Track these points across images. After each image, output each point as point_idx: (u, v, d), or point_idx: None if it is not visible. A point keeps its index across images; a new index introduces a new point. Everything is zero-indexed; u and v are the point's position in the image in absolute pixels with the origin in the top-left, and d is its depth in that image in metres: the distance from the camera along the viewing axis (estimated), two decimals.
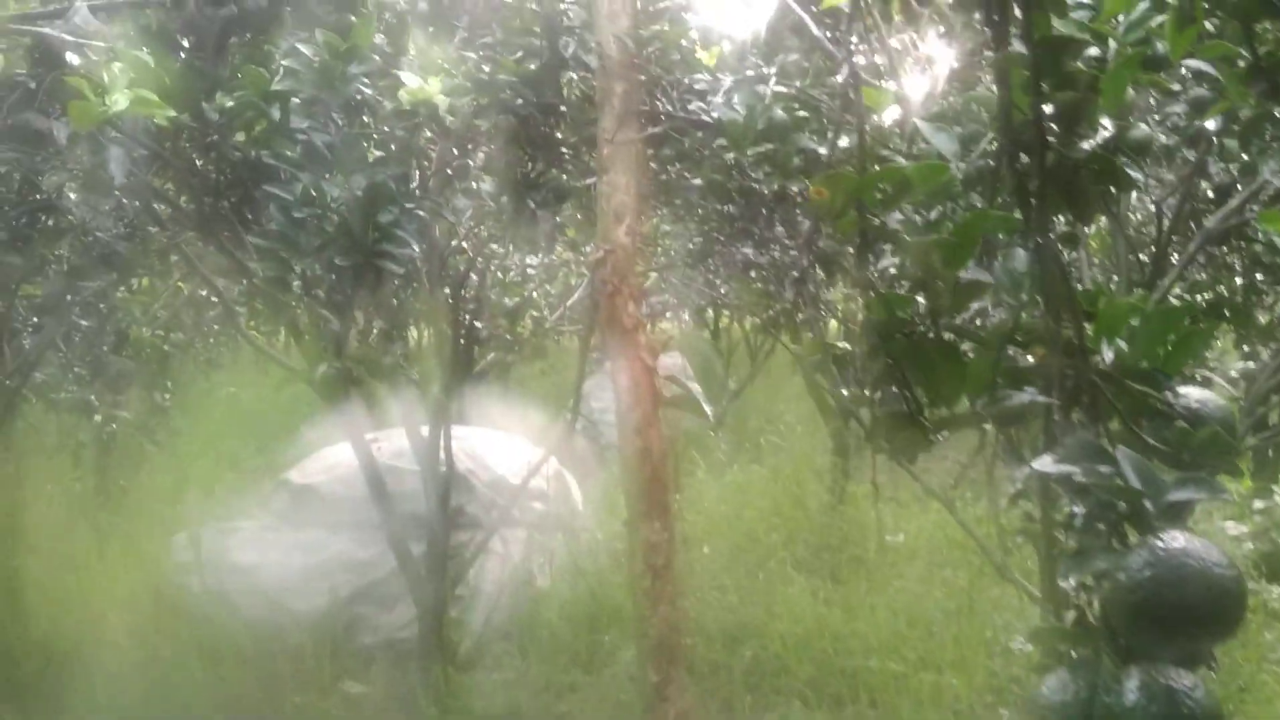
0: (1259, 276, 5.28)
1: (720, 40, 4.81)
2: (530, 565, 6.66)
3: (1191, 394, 1.87)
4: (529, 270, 8.30)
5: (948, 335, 1.54)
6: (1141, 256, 4.89)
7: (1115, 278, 5.07)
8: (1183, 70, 3.45)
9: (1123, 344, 1.85)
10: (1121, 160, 2.48)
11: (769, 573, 6.60)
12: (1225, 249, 5.30)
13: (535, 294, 8.78)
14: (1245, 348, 5.67)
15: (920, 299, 1.55)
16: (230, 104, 3.59)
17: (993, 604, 5.96)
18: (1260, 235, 4.79)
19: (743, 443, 9.45)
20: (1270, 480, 6.52)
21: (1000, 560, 4.76)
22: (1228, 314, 5.56)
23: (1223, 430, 1.82)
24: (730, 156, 3.99)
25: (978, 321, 1.91)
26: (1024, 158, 1.78)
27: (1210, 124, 3.66)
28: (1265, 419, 6.05)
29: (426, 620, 5.64)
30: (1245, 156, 4.18)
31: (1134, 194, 4.66)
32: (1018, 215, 1.71)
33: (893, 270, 2.33)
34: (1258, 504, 6.82)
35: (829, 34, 4.71)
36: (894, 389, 1.60)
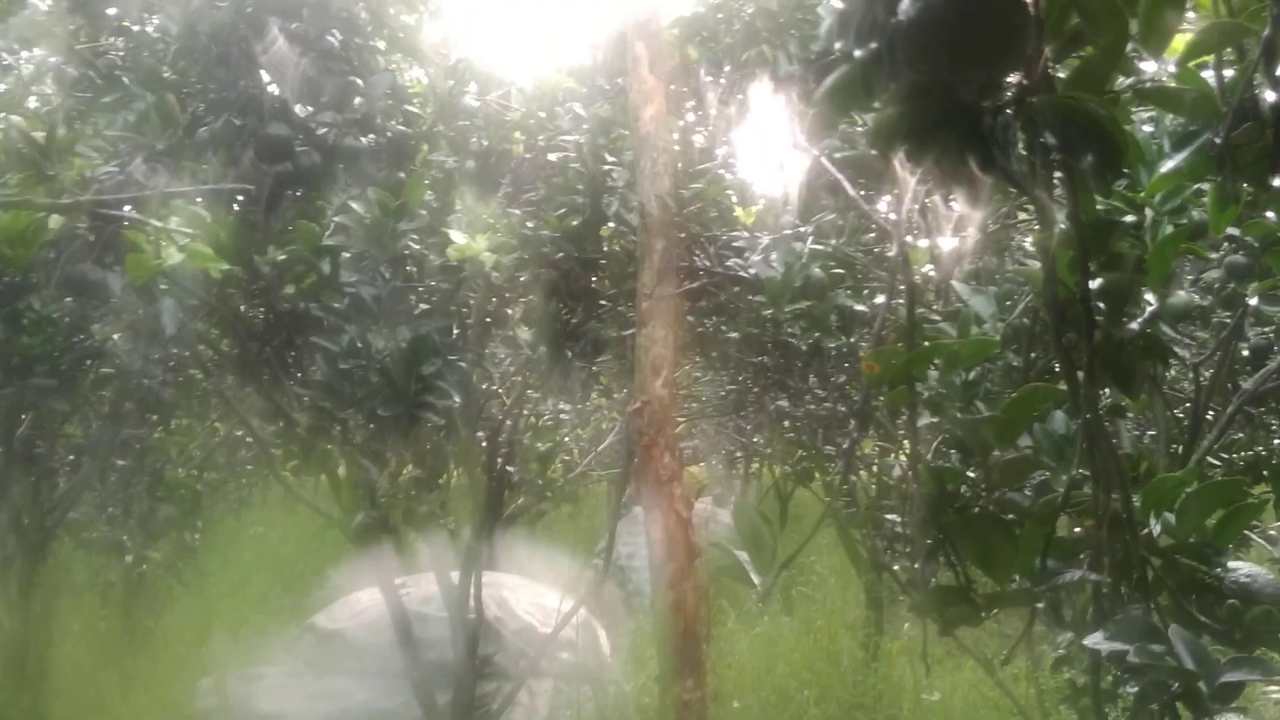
0: None
1: (758, 199, 4.93)
2: (557, 717, 6.53)
3: (1241, 569, 1.86)
4: (562, 415, 8.34)
5: (998, 510, 1.54)
6: (1179, 413, 4.88)
7: (1151, 432, 5.05)
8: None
9: (1171, 517, 1.85)
10: (1163, 327, 2.51)
11: None
12: (1263, 410, 5.28)
13: (567, 438, 8.82)
14: None
15: (970, 473, 1.56)
16: (282, 257, 3.69)
17: None
18: None
19: (773, 593, 9.31)
20: None
21: None
22: (1266, 475, 5.52)
23: (1275, 607, 1.80)
24: (768, 312, 4.05)
25: (1025, 490, 1.92)
26: (1069, 334, 1.81)
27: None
28: None
29: None
30: None
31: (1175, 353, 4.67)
32: (1063, 388, 1.74)
33: (930, 432, 2.35)
34: None
35: (864, 192, 4.84)
36: (944, 563, 1.60)
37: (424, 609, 6.24)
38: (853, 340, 4.26)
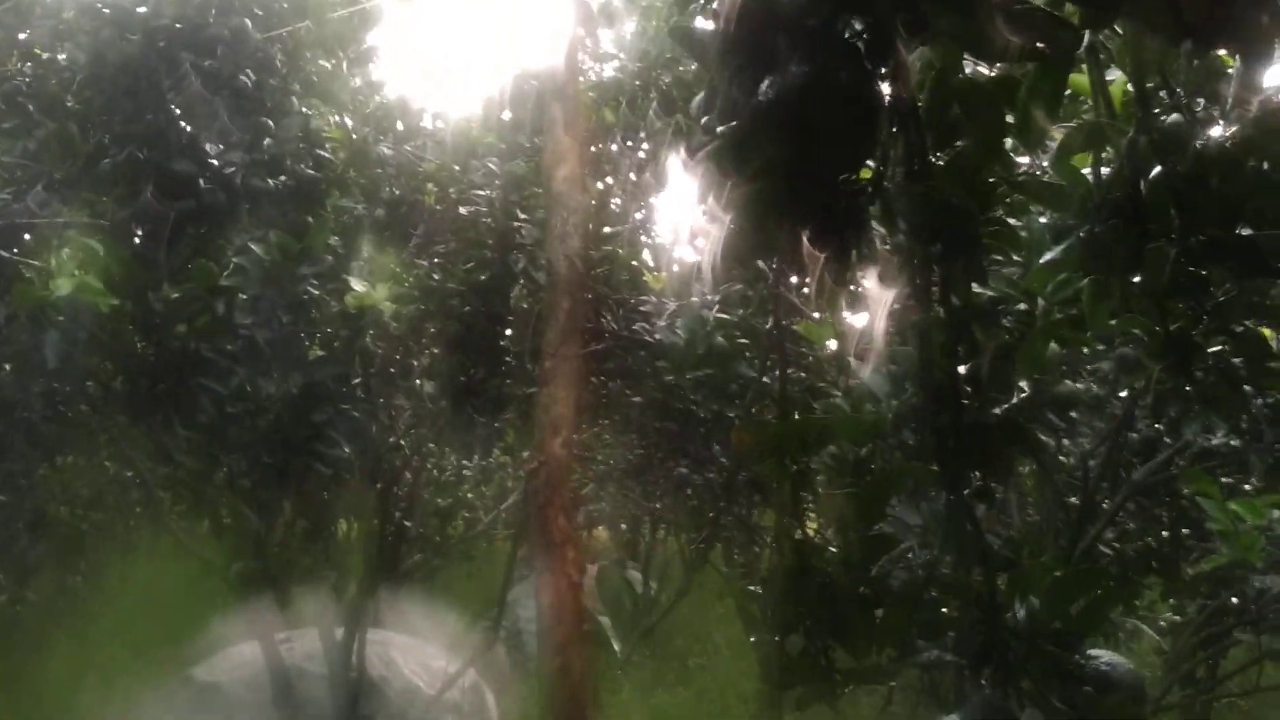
0: (1185, 531, 5.35)
1: (669, 265, 4.95)
2: None
3: (1102, 657, 1.86)
4: (465, 471, 8.24)
5: (861, 588, 1.53)
6: (1073, 499, 4.95)
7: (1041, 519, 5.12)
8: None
9: (1036, 602, 1.86)
10: (1047, 414, 2.55)
11: None
12: (1152, 502, 5.38)
13: (470, 495, 8.71)
14: (1171, 600, 5.70)
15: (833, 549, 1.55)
16: (176, 295, 3.61)
17: None
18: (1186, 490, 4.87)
19: (669, 663, 9.22)
20: None
21: None
22: (1155, 565, 5.61)
23: (1130, 698, 1.81)
24: (670, 378, 4.04)
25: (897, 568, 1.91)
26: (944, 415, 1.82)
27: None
28: (1193, 674, 6.04)
29: None
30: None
31: (1066, 440, 4.75)
32: (934, 469, 1.74)
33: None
34: None
35: (772, 266, 4.89)
36: (803, 637, 1.58)
37: (306, 665, 6.05)
38: (754, 410, 4.27)
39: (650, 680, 8.82)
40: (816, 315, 4.74)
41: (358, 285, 3.70)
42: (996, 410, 1.69)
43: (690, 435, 4.81)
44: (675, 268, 4.97)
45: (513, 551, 6.20)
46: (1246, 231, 1.43)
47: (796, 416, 1.70)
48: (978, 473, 1.93)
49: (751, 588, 5.70)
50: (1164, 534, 5.48)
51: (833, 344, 4.48)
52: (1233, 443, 4.14)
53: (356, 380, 3.89)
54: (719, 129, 1.26)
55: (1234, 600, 4.38)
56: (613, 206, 4.83)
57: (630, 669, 8.91)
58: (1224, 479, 4.51)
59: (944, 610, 1.83)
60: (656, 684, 8.70)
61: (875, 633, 1.52)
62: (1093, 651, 1.82)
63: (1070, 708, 1.67)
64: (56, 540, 7.22)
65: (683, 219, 5.00)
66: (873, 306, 4.19)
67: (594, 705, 4.28)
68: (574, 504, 4.29)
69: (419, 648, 7.15)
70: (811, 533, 1.87)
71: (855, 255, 1.29)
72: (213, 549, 5.38)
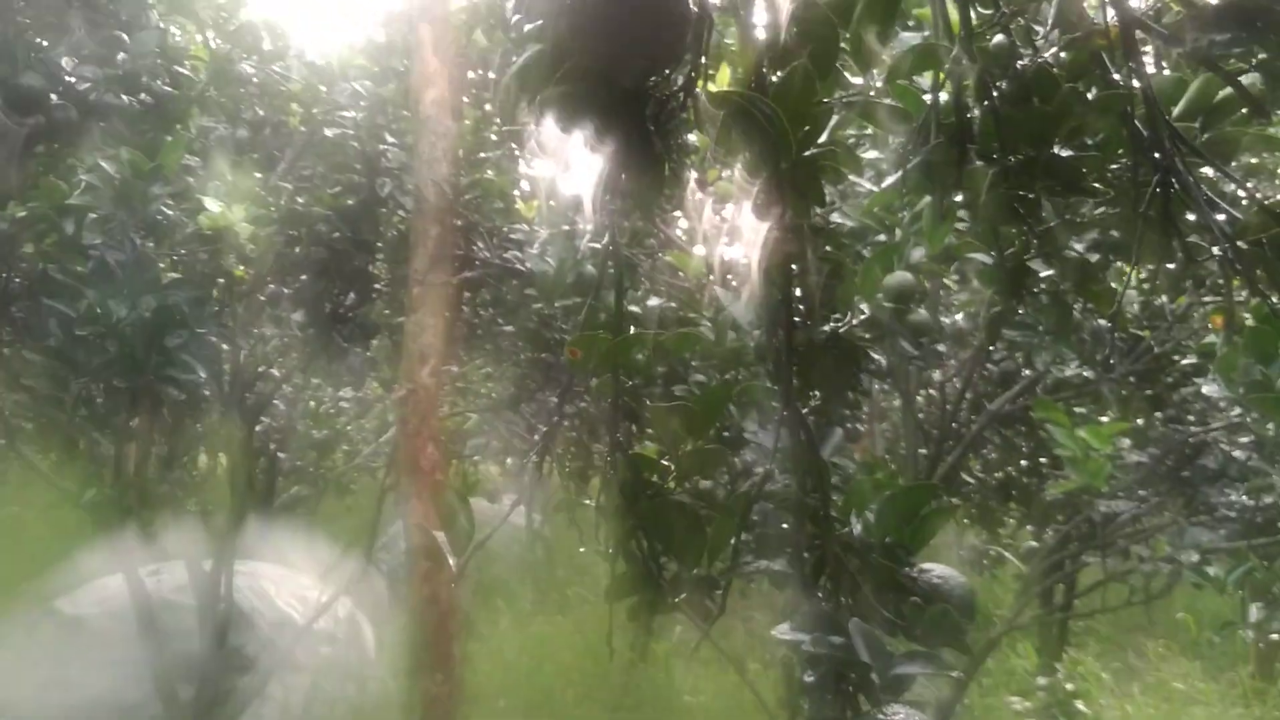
0: (1042, 460, 5.54)
1: (546, 194, 4.90)
2: (311, 713, 6.32)
3: (935, 570, 1.92)
4: (343, 403, 8.12)
5: (690, 501, 1.55)
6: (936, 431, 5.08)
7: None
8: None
9: (869, 518, 1.90)
10: (899, 340, 2.60)
11: None
12: (1011, 432, 5.56)
13: (349, 428, 8.60)
14: (1030, 527, 5.92)
15: (666, 462, 1.56)
16: (23, 214, 3.46)
17: None
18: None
19: (550, 593, 9.29)
20: (1054, 657, 6.76)
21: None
22: (1014, 493, 5.81)
23: (957, 608, 1.87)
24: (538, 306, 4.02)
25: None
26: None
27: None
28: (1050, 594, 6.29)
29: None
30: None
31: (934, 372, 4.86)
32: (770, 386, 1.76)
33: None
34: (1041, 680, 7.02)
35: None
36: (635, 549, 1.60)
37: (174, 597, 5.95)
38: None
39: (530, 610, 8.89)
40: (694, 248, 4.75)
41: (212, 205, 3.58)
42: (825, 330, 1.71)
43: (560, 365, 4.79)
44: (550, 198, 4.93)
45: (387, 483, 6.15)
46: (1065, 152, 1.46)
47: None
48: (816, 391, 1.97)
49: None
50: (1023, 463, 5.67)
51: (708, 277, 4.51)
52: (1086, 374, 4.28)
53: (215, 305, 3.78)
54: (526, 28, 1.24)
55: (1084, 525, 4.56)
56: (488, 134, 4.74)
57: (511, 599, 8.97)
58: (1079, 409, 4.67)
59: (783, 525, 1.86)
60: (536, 614, 8.77)
61: (704, 544, 1.55)
62: (926, 566, 1.88)
63: (899, 618, 1.73)
64: None
65: (558, 147, 4.95)
66: (744, 235, 4.22)
67: (464, 633, 4.29)
68: (444, 433, 4.27)
69: (293, 579, 7.08)
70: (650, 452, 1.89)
71: (667, 166, 1.29)
72: (70, 478, 5.23)
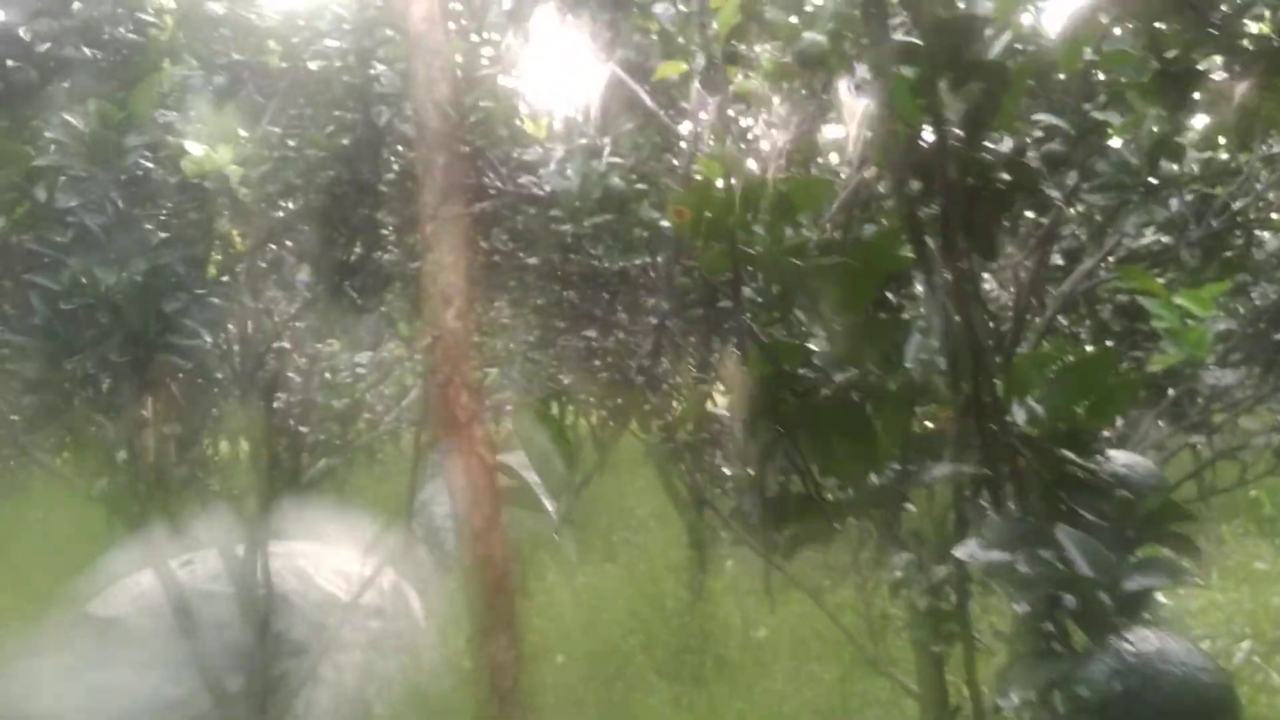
0: (1108, 344, 5.17)
1: (550, 112, 4.52)
2: (366, 692, 6.06)
3: (1118, 458, 1.57)
4: (359, 369, 7.77)
5: (851, 394, 1.20)
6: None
7: None
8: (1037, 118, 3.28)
9: (1035, 404, 1.55)
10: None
11: (628, 681, 6.16)
12: (1072, 318, 5.19)
13: (368, 395, 8.27)
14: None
15: (813, 346, 1.21)
16: None
17: (864, 699, 5.65)
18: (1109, 299, 4.67)
19: (593, 541, 9.01)
20: None
21: (872, 652, 4.47)
22: None
23: (1160, 499, 1.52)
24: (567, 229, 3.64)
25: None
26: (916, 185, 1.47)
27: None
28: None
29: None
30: (1098, 219, 4.06)
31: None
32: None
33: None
34: None
35: (665, 109, 4.48)
36: (785, 464, 1.25)
37: (212, 587, 5.68)
38: (660, 260, 3.90)
39: (577, 562, 8.61)
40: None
41: (195, 148, 3.21)
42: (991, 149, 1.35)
43: (594, 297, 4.44)
44: (555, 115, 4.55)
45: (418, 446, 5.83)
46: None
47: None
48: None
49: (668, 444, 5.40)
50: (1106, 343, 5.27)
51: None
52: (1163, 240, 3.91)
53: (213, 264, 3.40)
54: None
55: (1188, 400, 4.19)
56: (481, 52, 4.35)
57: (554, 551, 8.68)
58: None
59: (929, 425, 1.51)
60: (582, 564, 8.49)
61: (873, 450, 1.20)
62: (1109, 453, 1.53)
63: (1100, 518, 1.38)
64: None
65: (562, 63, 4.55)
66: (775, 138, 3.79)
67: (520, 593, 3.98)
68: (477, 381, 3.92)
69: (331, 556, 6.81)
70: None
71: None
72: (86, 474, 4.92)
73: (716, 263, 1.24)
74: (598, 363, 5.37)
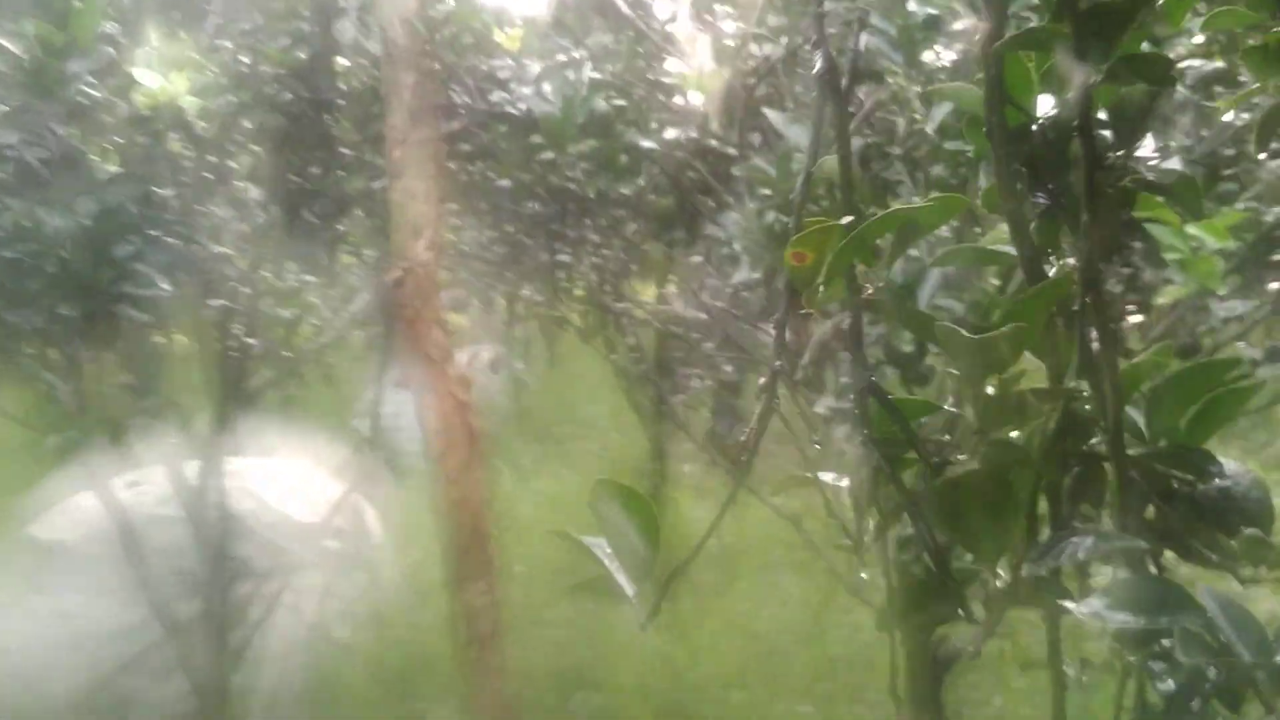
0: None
1: (516, 20, 4.23)
2: (326, 615, 5.93)
3: (1224, 468, 1.42)
4: (306, 277, 7.47)
5: (992, 464, 1.03)
6: None
7: None
8: None
9: (1134, 414, 1.40)
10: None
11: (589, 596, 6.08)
12: None
13: (315, 301, 7.98)
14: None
15: (951, 408, 1.05)
16: None
17: (829, 607, 5.63)
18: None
19: (548, 446, 8.89)
20: None
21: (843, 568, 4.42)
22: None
23: (1255, 517, 1.39)
24: (547, 155, 3.41)
25: None
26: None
27: None
28: None
29: (206, 692, 4.89)
30: None
31: None
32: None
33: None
34: None
35: (638, 14, 4.22)
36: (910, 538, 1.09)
37: (160, 510, 5.45)
38: (642, 183, 3.69)
39: (532, 468, 8.49)
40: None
41: (148, 78, 2.91)
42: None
43: (563, 217, 4.21)
44: (522, 23, 4.27)
45: (380, 351, 5.61)
46: None
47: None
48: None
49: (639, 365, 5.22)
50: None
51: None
52: (1172, 166, 3.74)
53: (167, 198, 3.12)
54: None
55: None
56: None
57: (510, 458, 8.55)
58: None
59: None
60: (538, 472, 8.38)
61: (1014, 523, 1.03)
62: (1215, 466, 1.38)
63: (1218, 551, 1.24)
64: None
65: None
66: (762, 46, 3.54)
67: (496, 532, 3.84)
68: (444, 313, 3.71)
69: (285, 472, 6.60)
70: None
71: None
72: (19, 405, 4.66)
73: (828, 300, 1.06)
74: (562, 276, 5.18)
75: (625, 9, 3.98)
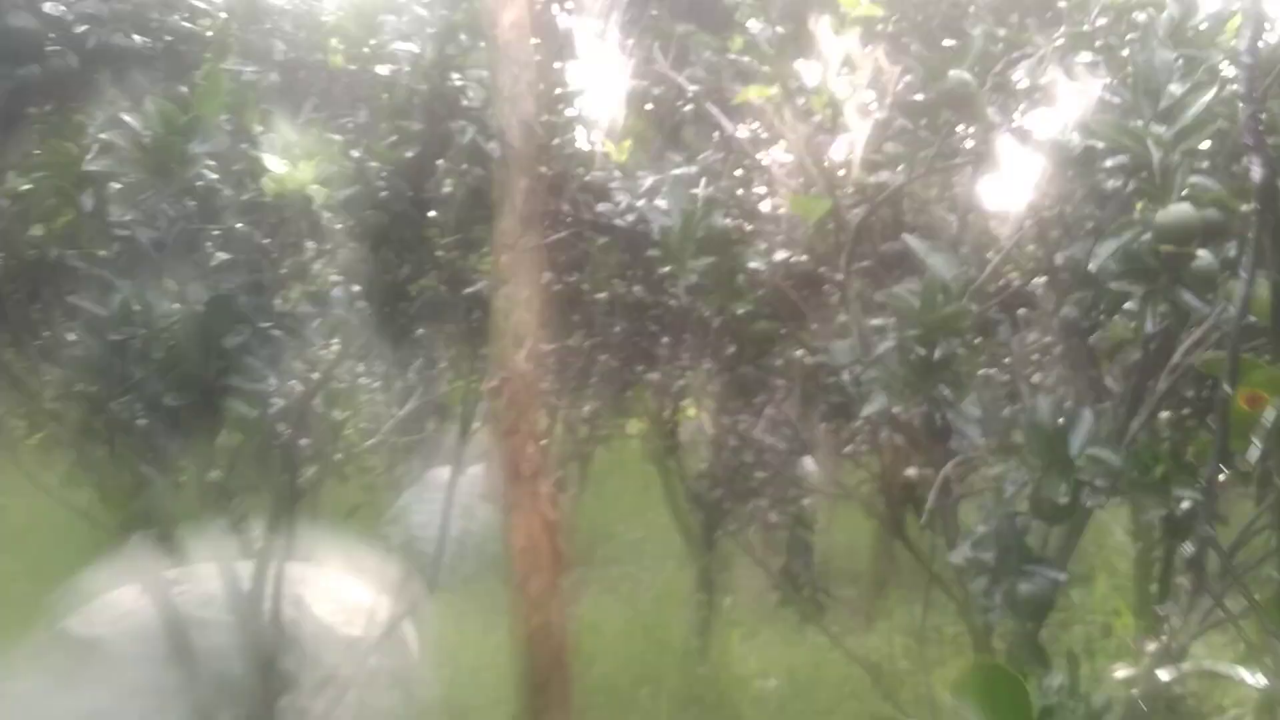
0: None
1: (622, 133, 4.15)
2: None
3: None
4: (361, 380, 7.35)
5: None
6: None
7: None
8: None
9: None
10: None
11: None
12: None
13: (366, 404, 7.86)
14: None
15: None
16: (26, 187, 2.69)
17: None
18: None
19: (591, 570, 8.61)
20: None
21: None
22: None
23: None
24: (666, 269, 3.27)
25: None
26: None
27: None
28: None
29: None
30: None
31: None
32: None
33: None
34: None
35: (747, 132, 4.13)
36: None
37: (203, 612, 5.23)
38: (751, 309, 3.54)
39: (571, 591, 8.20)
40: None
41: (275, 164, 2.81)
42: None
43: (663, 334, 4.08)
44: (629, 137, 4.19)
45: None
46: None
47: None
48: None
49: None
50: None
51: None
52: None
53: (275, 289, 2.98)
54: None
55: None
56: (555, 63, 3.98)
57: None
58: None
59: None
60: (581, 595, 8.10)
61: None
62: None
63: None
64: None
65: (633, 80, 4.19)
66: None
67: (575, 670, 3.62)
68: (541, 428, 3.55)
69: (326, 579, 6.37)
70: None
71: None
72: (82, 495, 4.49)
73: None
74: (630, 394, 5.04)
75: (732, 129, 3.90)
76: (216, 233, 2.83)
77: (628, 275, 3.76)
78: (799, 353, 3.92)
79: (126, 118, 2.68)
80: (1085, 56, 3.20)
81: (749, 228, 3.56)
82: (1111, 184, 2.88)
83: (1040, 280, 3.24)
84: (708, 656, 6.64)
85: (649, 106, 4.24)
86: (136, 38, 3.18)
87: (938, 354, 2.68)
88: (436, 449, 10.51)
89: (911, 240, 2.86)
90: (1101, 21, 3.26)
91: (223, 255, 2.77)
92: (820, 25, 3.53)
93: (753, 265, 3.59)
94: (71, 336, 2.64)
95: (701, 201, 3.33)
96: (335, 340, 4.19)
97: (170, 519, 3.01)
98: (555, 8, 4.21)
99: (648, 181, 3.57)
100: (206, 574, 4.94)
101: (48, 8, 3.08)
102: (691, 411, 5.21)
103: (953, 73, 3.09)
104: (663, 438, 5.24)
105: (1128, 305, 3.02)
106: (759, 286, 3.59)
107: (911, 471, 3.39)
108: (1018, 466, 2.65)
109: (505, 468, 3.41)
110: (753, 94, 3.65)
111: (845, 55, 3.48)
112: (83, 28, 3.18)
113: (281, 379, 2.83)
